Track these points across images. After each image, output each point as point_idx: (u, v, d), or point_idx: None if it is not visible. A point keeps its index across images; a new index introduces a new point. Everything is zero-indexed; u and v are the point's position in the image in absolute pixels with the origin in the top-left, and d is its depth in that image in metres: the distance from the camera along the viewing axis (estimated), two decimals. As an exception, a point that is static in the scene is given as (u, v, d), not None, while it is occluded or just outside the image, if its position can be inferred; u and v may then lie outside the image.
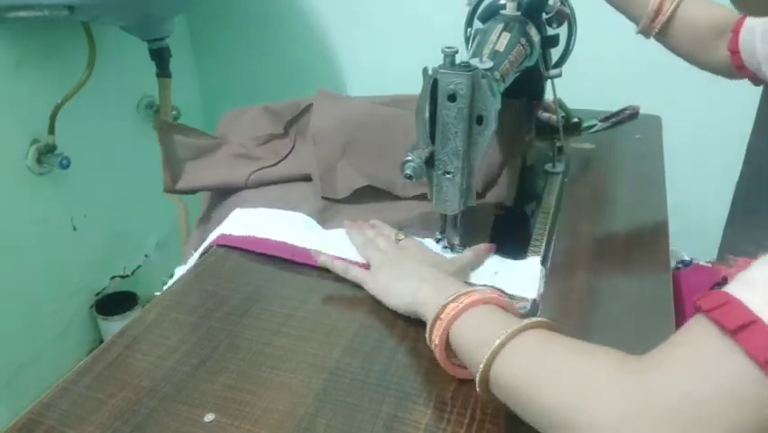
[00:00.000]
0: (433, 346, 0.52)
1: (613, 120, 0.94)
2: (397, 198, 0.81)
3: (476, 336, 0.48)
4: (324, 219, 0.77)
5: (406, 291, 0.59)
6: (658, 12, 0.78)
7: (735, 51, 0.75)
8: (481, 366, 0.45)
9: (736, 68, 0.77)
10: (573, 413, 0.38)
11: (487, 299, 0.51)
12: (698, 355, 0.35)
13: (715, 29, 0.78)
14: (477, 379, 0.46)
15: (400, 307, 0.60)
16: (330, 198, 0.81)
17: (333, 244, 0.71)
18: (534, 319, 0.46)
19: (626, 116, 0.94)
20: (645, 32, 0.80)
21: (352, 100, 0.97)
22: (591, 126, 0.94)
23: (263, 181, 0.83)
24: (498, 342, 0.44)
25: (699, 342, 0.36)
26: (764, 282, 0.34)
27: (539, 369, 0.42)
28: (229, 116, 0.94)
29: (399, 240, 0.68)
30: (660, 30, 0.78)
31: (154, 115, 0.85)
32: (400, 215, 0.77)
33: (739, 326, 0.33)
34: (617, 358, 0.39)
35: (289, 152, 0.88)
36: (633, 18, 0.80)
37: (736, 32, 0.75)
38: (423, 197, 0.76)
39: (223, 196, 0.84)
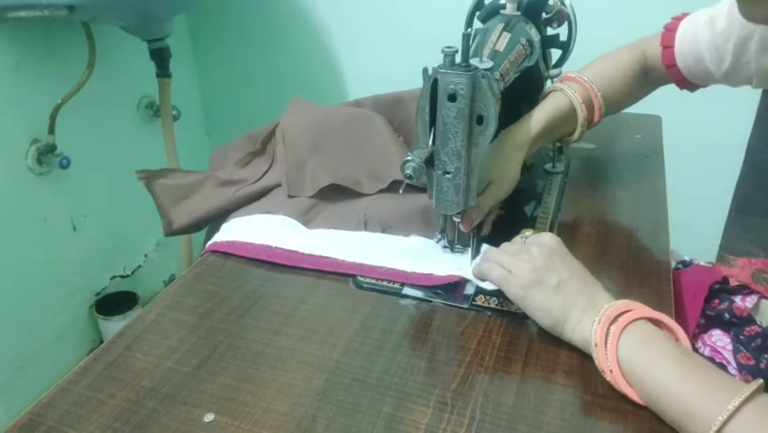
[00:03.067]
0: (607, 375, 0.52)
1: None
2: (383, 192, 0.81)
3: (674, 391, 0.47)
4: (307, 220, 0.78)
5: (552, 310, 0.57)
6: (592, 124, 0.80)
7: (671, 65, 0.79)
8: None
9: (675, 81, 0.81)
10: None
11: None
12: None
13: (638, 80, 0.82)
14: None
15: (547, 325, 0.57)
16: (296, 195, 0.82)
17: (319, 243, 0.71)
18: (748, 389, 0.44)
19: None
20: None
21: (323, 106, 0.97)
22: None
23: (248, 199, 0.83)
24: (719, 422, 0.43)
25: None
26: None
27: None
28: (216, 153, 0.95)
29: (526, 237, 0.63)
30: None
31: (137, 170, 0.84)
32: (386, 212, 0.77)
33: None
34: None
35: (269, 168, 0.88)
36: (566, 137, 0.81)
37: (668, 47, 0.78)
38: (388, 189, 0.79)
39: (215, 228, 0.84)
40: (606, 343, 0.52)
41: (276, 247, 0.71)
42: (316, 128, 0.87)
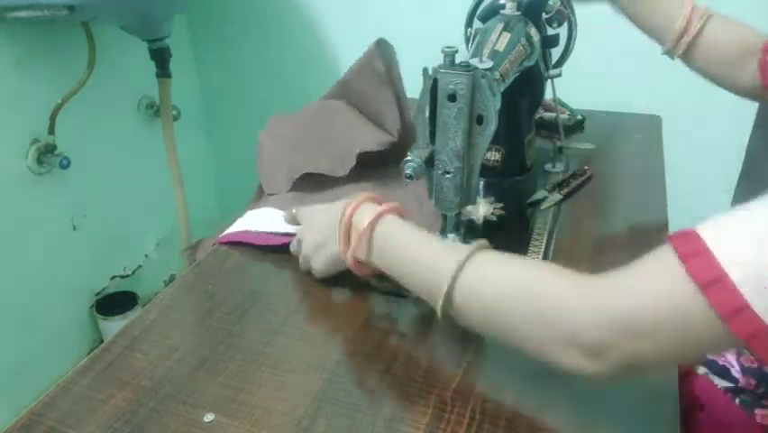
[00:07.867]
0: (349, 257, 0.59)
1: (566, 191, 0.84)
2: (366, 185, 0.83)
3: (413, 258, 0.54)
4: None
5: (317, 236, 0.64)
6: (684, 33, 0.75)
7: (766, 71, 0.72)
8: (441, 301, 0.50)
9: (765, 87, 0.74)
10: (542, 330, 0.45)
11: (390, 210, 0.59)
12: (652, 275, 0.43)
13: (743, 50, 0.75)
14: (439, 308, 0.50)
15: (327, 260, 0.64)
16: (273, 193, 0.84)
17: None
18: (474, 244, 0.51)
19: (580, 183, 0.86)
20: (671, 52, 0.77)
21: (295, 114, 0.97)
22: (541, 200, 0.82)
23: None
24: (451, 275, 0.49)
25: (656, 265, 0.43)
26: (722, 221, 0.42)
27: (502, 296, 0.48)
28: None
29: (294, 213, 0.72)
30: (686, 51, 0.76)
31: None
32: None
33: (689, 253, 0.39)
34: (572, 277, 0.46)
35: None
36: (658, 39, 0.78)
37: (766, 50, 0.72)
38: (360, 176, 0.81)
39: None
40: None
41: (256, 231, 0.74)
42: (289, 133, 0.90)
